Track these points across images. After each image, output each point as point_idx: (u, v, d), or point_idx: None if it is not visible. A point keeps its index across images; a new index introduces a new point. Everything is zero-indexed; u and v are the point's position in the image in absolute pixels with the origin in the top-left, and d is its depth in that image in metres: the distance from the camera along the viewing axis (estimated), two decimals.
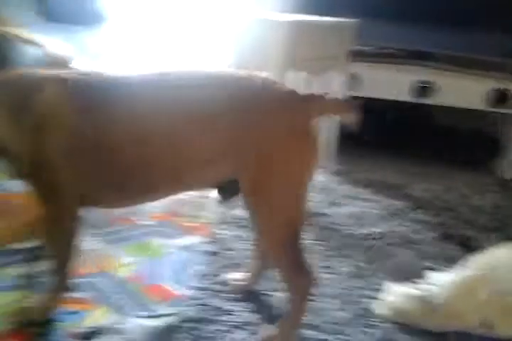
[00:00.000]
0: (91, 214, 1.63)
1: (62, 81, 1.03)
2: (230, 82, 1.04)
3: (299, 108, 1.03)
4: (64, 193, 1.06)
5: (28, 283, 1.27)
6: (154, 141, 1.01)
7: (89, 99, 1.02)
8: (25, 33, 1.95)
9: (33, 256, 1.37)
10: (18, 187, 1.57)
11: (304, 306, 1.12)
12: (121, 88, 1.04)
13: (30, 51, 1.99)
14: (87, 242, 1.50)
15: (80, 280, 1.28)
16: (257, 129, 1.00)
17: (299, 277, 1.09)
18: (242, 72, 1.08)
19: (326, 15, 2.12)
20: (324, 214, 1.81)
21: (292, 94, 1.05)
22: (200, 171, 1.05)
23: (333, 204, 1.91)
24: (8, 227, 1.47)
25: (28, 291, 1.23)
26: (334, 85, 2.09)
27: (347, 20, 2.00)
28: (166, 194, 1.16)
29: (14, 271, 1.31)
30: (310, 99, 1.06)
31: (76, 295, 1.23)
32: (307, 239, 1.59)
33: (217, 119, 1.00)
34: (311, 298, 1.14)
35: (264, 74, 1.11)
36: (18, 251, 1.39)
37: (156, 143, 1.01)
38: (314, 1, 2.47)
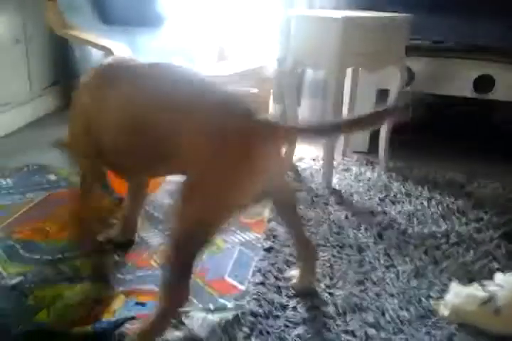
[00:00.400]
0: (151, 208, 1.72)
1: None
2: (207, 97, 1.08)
3: (250, 137, 1.02)
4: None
5: (97, 275, 1.33)
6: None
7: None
8: (90, 36, 2.04)
9: (101, 249, 1.44)
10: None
11: (161, 325, 1.09)
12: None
13: (96, 54, 2.08)
14: (151, 236, 1.56)
15: (148, 272, 1.33)
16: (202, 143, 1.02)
17: (170, 296, 1.06)
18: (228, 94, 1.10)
19: (379, 10, 2.10)
20: (382, 212, 1.79)
21: (254, 122, 1.04)
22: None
23: (389, 201, 1.88)
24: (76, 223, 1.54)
25: (99, 283, 1.29)
26: (392, 81, 2.07)
27: (401, 15, 1.97)
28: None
29: (84, 263, 1.38)
30: (273, 133, 1.05)
31: (144, 287, 1.28)
32: (366, 237, 1.60)
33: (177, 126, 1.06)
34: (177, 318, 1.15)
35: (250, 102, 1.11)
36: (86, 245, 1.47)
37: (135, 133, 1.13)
38: None
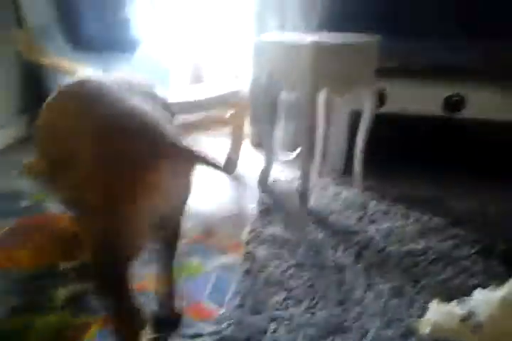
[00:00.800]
0: None
1: None
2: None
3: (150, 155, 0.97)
4: None
5: (75, 303, 1.29)
6: None
7: None
8: (63, 62, 2.03)
9: (80, 275, 1.40)
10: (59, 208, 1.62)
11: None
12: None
13: (67, 80, 2.07)
14: None
15: None
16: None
17: (120, 324, 1.02)
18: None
19: (349, 31, 2.15)
20: (360, 231, 1.79)
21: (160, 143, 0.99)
22: None
23: (366, 220, 1.89)
24: (54, 248, 1.51)
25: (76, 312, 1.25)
26: (363, 103, 2.10)
27: (370, 37, 2.02)
28: None
29: (62, 292, 1.33)
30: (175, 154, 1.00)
31: None
32: (345, 256, 1.60)
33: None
34: None
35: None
36: (65, 272, 1.42)
37: None
38: (335, 19, 2.51)
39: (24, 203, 1.90)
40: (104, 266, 0.99)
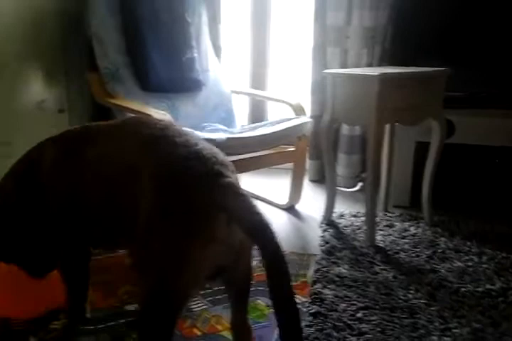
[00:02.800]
0: None
1: None
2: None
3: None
4: None
5: None
6: None
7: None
8: (131, 104, 2.13)
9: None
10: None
11: None
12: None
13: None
14: (193, 304, 1.53)
15: None
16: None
17: None
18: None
19: (410, 65, 2.13)
20: (431, 271, 1.72)
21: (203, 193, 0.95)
22: None
23: (438, 259, 1.81)
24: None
25: None
26: (431, 133, 2.05)
27: (437, 69, 1.98)
28: None
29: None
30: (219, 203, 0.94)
31: None
32: (418, 298, 1.53)
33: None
34: None
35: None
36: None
37: None
38: (399, 53, 2.50)
39: None
40: (156, 313, 0.98)
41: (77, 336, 1.34)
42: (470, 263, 1.77)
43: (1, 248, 1.29)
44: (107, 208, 1.11)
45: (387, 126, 2.21)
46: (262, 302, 1.54)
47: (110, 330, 1.37)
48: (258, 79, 2.97)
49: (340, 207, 2.27)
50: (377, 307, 1.49)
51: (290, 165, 2.33)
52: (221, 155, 1.05)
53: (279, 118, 2.30)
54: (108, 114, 2.80)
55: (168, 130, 1.09)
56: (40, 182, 1.23)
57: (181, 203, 0.94)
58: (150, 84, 2.35)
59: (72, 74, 2.57)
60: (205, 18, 2.67)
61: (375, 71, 1.88)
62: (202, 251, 0.94)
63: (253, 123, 2.75)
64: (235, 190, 0.96)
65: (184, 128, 1.14)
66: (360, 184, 2.65)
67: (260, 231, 0.91)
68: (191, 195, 0.95)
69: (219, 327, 1.41)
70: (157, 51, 2.39)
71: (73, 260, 1.31)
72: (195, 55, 2.53)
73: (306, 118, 2.20)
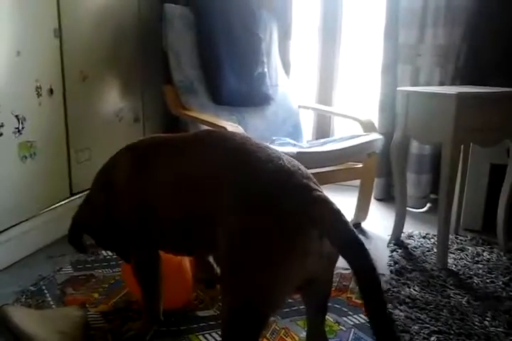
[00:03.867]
0: None
1: None
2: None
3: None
4: None
5: None
6: None
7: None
8: (204, 116, 2.18)
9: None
10: None
11: None
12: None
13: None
14: None
15: None
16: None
17: None
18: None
19: (484, 84, 2.07)
20: (508, 298, 1.64)
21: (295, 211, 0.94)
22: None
23: None
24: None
25: None
26: (506, 155, 1.98)
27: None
28: None
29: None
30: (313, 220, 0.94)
31: None
32: (495, 326, 1.46)
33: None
34: None
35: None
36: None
37: None
38: (473, 72, 2.44)
39: None
40: (243, 327, 0.98)
41: (151, 337, 1.36)
42: None
43: (99, 243, 1.44)
44: (180, 218, 1.13)
45: (462, 147, 2.15)
46: (330, 318, 1.51)
47: (183, 334, 1.39)
48: (325, 95, 2.98)
49: (408, 228, 2.21)
50: (451, 332, 1.43)
51: (356, 182, 2.31)
52: (303, 168, 1.05)
53: (348, 134, 2.28)
54: (179, 125, 2.89)
55: (247, 144, 1.10)
56: (117, 189, 1.28)
57: (276, 218, 0.94)
58: (222, 98, 2.41)
59: (148, 86, 2.68)
60: (275, 34, 2.71)
61: (452, 90, 1.84)
62: (295, 265, 0.94)
63: (318, 138, 2.75)
64: (329, 205, 0.96)
65: (260, 142, 1.14)
66: (428, 204, 2.58)
67: (355, 249, 0.91)
68: (285, 210, 0.94)
69: (288, 340, 1.39)
70: (230, 66, 2.45)
71: (146, 263, 1.34)
72: (266, 70, 2.58)
73: (377, 135, 2.17)
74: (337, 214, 0.94)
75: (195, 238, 1.14)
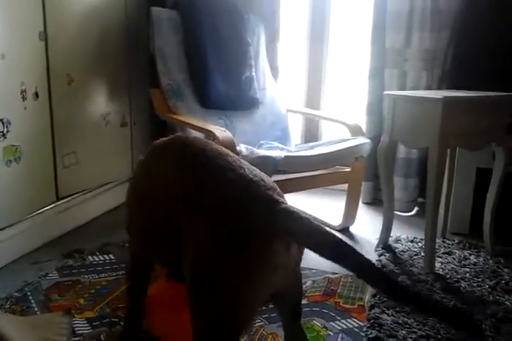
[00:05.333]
0: None
1: None
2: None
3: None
4: None
5: None
6: None
7: None
8: (191, 120, 2.17)
9: None
10: None
11: None
12: None
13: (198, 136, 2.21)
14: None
15: None
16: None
17: None
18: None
19: (471, 89, 2.09)
20: (494, 302, 1.64)
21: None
22: None
23: (501, 290, 1.73)
24: None
25: None
26: (492, 160, 2.00)
27: (502, 94, 1.94)
28: None
29: None
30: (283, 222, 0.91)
31: None
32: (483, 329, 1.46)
33: None
34: None
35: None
36: None
37: None
38: (460, 77, 2.45)
39: None
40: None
41: None
42: None
43: None
44: (156, 229, 1.11)
45: (448, 151, 2.16)
46: (318, 323, 1.51)
47: None
48: (312, 99, 2.98)
49: (396, 231, 2.21)
50: (439, 337, 1.43)
51: (344, 186, 2.31)
52: (266, 178, 1.01)
53: (336, 138, 2.29)
54: (167, 129, 2.88)
55: (207, 150, 1.07)
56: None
57: (238, 232, 0.90)
58: (209, 102, 2.40)
59: (135, 90, 2.66)
60: (263, 38, 2.71)
61: (438, 94, 1.85)
62: (262, 279, 0.91)
63: (306, 142, 2.75)
64: (295, 215, 0.91)
65: (221, 148, 1.11)
66: (416, 208, 2.59)
67: (340, 250, 0.89)
68: (249, 223, 0.91)
69: None
70: (217, 69, 2.44)
71: (138, 272, 1.34)
72: (254, 73, 2.57)
73: (365, 139, 2.18)
74: (306, 220, 0.91)
75: (166, 250, 1.11)
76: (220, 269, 0.91)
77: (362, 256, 0.90)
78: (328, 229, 0.91)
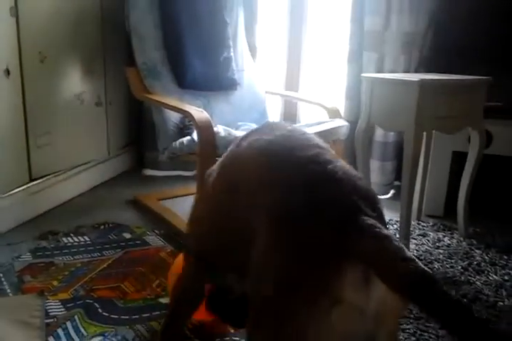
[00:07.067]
0: None
1: None
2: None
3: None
4: None
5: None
6: None
7: None
8: (168, 100, 2.13)
9: None
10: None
11: None
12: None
13: (174, 116, 2.17)
14: None
15: None
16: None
17: None
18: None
19: (449, 73, 2.10)
20: (466, 282, 1.68)
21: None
22: None
23: (473, 271, 1.77)
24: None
25: None
26: (467, 143, 2.02)
27: (478, 77, 1.95)
28: None
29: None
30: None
31: None
32: None
33: None
34: None
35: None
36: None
37: None
38: (438, 60, 2.46)
39: (127, 235, 1.97)
40: None
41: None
42: (507, 277, 1.72)
43: None
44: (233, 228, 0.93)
45: (424, 134, 2.18)
46: None
47: (144, 322, 1.37)
48: (291, 81, 2.96)
49: None
50: (411, 316, 1.46)
51: None
52: (361, 182, 0.81)
53: (314, 120, 2.28)
54: (143, 109, 2.83)
55: (293, 137, 0.90)
56: None
57: (298, 250, 0.73)
58: (186, 82, 2.35)
59: (110, 69, 2.60)
60: (242, 18, 2.67)
61: (415, 77, 1.85)
62: (324, 317, 0.69)
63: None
64: (375, 232, 0.70)
65: (312, 136, 0.94)
66: (392, 191, 2.62)
67: (422, 288, 0.63)
68: (312, 240, 0.72)
69: None
70: (194, 49, 2.40)
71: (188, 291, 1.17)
72: (232, 54, 2.53)
73: (343, 122, 2.17)
74: (386, 242, 0.69)
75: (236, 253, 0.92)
76: (270, 300, 0.74)
77: (459, 302, 0.64)
78: (411, 254, 0.68)
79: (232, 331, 1.34)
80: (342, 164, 0.83)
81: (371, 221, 0.72)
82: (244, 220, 0.84)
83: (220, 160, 1.07)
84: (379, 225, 0.72)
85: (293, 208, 0.75)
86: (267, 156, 0.89)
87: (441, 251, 1.93)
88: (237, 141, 1.03)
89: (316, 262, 0.71)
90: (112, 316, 1.39)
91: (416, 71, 2.52)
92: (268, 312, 0.75)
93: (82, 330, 1.31)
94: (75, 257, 1.76)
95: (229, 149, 1.05)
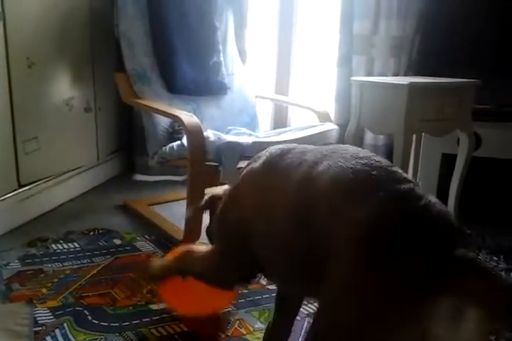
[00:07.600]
0: None
1: None
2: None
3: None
4: None
5: None
6: None
7: None
8: (158, 105, 2.13)
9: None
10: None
11: None
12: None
13: (164, 121, 2.17)
14: None
15: None
16: None
17: None
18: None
19: (438, 76, 2.11)
20: None
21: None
22: None
23: None
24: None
25: None
26: (456, 146, 2.03)
27: (466, 80, 1.96)
28: None
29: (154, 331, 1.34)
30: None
31: None
32: None
33: None
34: None
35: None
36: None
37: None
38: (427, 64, 2.48)
39: (117, 241, 1.96)
40: None
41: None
42: None
43: None
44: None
45: (414, 136, 2.19)
46: None
47: (135, 328, 1.36)
48: (281, 85, 2.96)
49: None
50: None
51: None
52: (452, 218, 0.78)
53: (304, 124, 2.28)
54: (132, 115, 2.82)
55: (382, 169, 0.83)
56: None
57: (383, 279, 0.69)
58: (176, 87, 2.35)
59: (100, 74, 2.59)
60: (231, 23, 2.67)
61: (404, 80, 1.86)
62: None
63: (275, 129, 2.73)
64: (476, 263, 0.68)
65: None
66: None
67: None
68: (407, 269, 0.68)
69: (243, 331, 1.38)
70: (184, 54, 2.40)
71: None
72: (221, 58, 2.53)
73: (333, 126, 2.18)
74: (489, 275, 0.66)
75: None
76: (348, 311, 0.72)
77: None
78: None
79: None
80: (435, 200, 0.80)
81: (471, 254, 0.70)
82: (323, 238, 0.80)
83: (279, 182, 0.95)
84: (476, 257, 0.71)
85: (391, 238, 0.72)
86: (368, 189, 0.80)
87: None
88: (305, 166, 0.92)
89: (410, 293, 0.68)
90: (102, 323, 1.37)
91: (405, 75, 2.54)
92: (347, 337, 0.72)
93: (71, 338, 1.30)
94: (65, 264, 1.75)
95: (297, 171, 0.93)
